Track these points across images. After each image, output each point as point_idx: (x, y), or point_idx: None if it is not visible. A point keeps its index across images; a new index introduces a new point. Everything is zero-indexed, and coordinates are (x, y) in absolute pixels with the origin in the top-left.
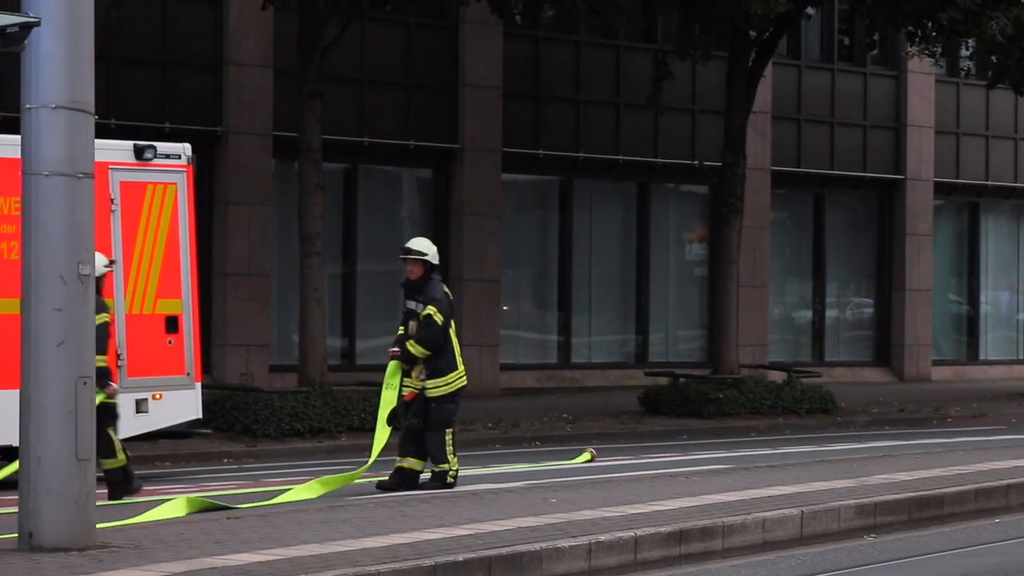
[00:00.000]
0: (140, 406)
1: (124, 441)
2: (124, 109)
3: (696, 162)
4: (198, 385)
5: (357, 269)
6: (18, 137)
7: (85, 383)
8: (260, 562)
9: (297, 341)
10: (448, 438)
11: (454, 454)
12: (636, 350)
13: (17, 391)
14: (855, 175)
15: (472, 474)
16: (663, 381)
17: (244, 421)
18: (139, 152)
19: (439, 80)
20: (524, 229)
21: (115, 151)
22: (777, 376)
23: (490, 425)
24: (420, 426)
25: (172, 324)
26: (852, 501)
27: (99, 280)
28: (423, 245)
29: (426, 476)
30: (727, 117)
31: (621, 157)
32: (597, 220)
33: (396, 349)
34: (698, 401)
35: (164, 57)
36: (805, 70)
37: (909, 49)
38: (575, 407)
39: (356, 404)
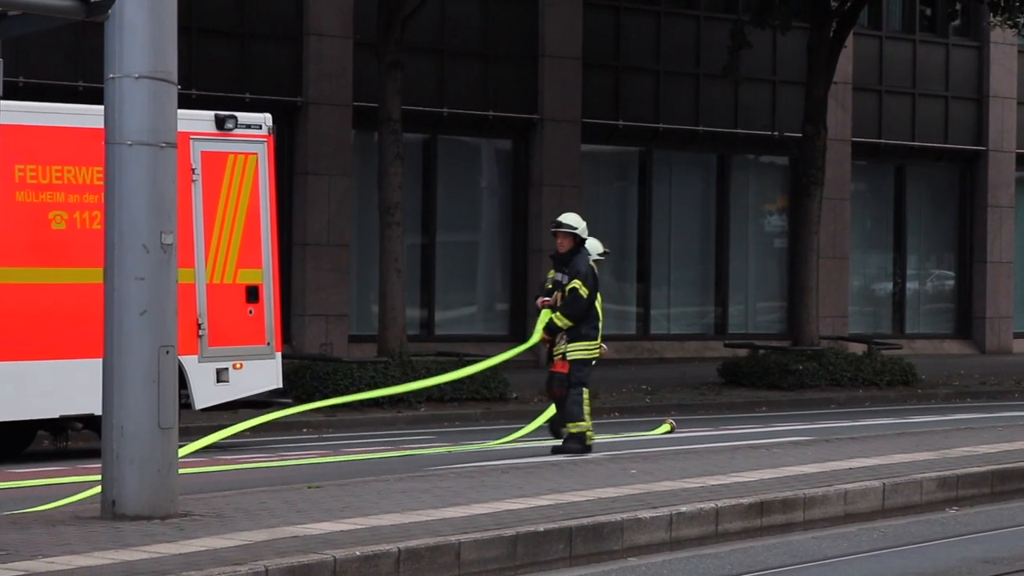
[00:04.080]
0: (221, 375)
1: (204, 410)
2: (205, 79)
3: (776, 133)
4: (278, 355)
5: (436, 239)
6: (100, 107)
7: (168, 352)
8: (341, 531)
9: (376, 311)
10: (585, 396)
11: (590, 415)
12: (715, 321)
13: (99, 360)
14: (936, 147)
15: (552, 444)
16: (742, 353)
17: (324, 391)
18: (220, 122)
19: (519, 50)
20: (603, 200)
21: (196, 121)
22: (857, 348)
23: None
24: (564, 389)
25: (253, 294)
26: (934, 473)
27: (598, 264)
28: (573, 220)
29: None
30: (808, 88)
31: (701, 128)
32: (676, 191)
33: (547, 300)
34: (777, 373)
35: (245, 28)
36: (886, 40)
37: (991, 19)
38: (654, 378)
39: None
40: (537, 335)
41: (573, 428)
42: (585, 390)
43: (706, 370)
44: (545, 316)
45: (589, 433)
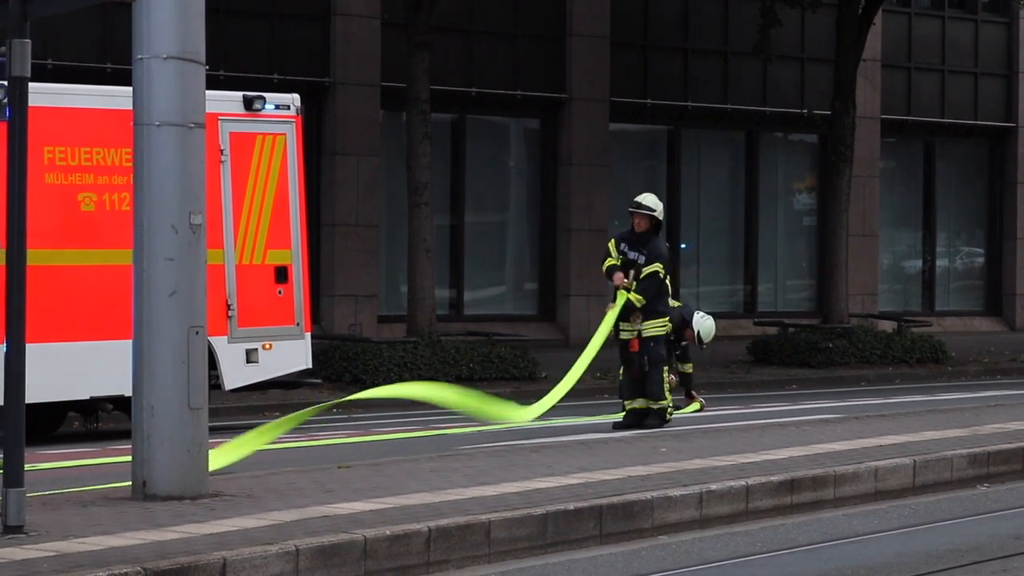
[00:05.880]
0: (250, 356)
1: (234, 391)
2: (233, 60)
3: (805, 111)
4: (307, 335)
5: (465, 219)
6: (128, 88)
7: (197, 333)
8: (371, 510)
9: (405, 291)
10: (665, 375)
11: (670, 391)
12: (745, 300)
13: (129, 341)
14: (966, 123)
15: (581, 423)
16: (772, 331)
17: (353, 371)
18: (248, 103)
19: (547, 29)
20: (632, 179)
21: (225, 102)
22: (887, 326)
23: (598, 375)
24: (645, 368)
25: (282, 274)
26: (964, 451)
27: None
28: (652, 201)
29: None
30: (837, 65)
31: (729, 106)
32: (705, 170)
33: (624, 277)
34: (807, 351)
35: (273, 8)
36: (915, 17)
37: None
38: None
39: (464, 354)
40: (613, 315)
41: (655, 406)
42: (665, 368)
43: (736, 348)
44: (622, 297)
45: (670, 408)
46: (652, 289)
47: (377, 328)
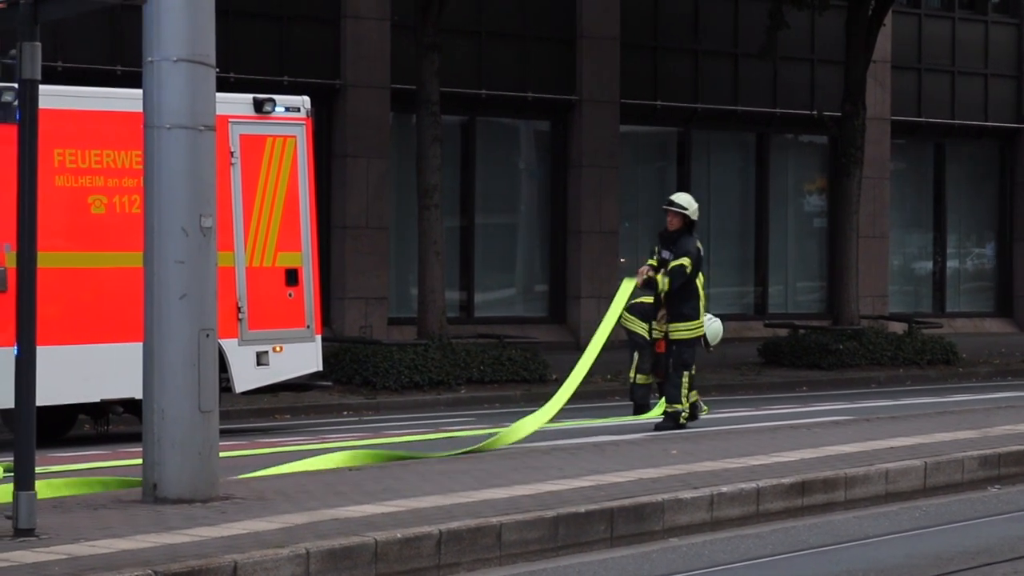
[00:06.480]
0: (261, 359)
1: (245, 393)
2: (243, 63)
3: (815, 112)
4: (318, 338)
5: (475, 222)
6: (138, 91)
7: (208, 335)
8: (383, 513)
9: (416, 294)
10: (684, 380)
11: (687, 397)
12: (755, 302)
13: (140, 344)
14: (976, 124)
15: (592, 426)
16: (782, 333)
17: (363, 373)
18: (259, 105)
19: (557, 31)
20: (642, 181)
21: (235, 104)
22: (897, 327)
23: (609, 377)
24: (667, 370)
25: (292, 277)
26: (976, 452)
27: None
28: (685, 200)
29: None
30: (847, 67)
31: (740, 108)
32: (715, 171)
33: (650, 271)
34: (818, 352)
35: (282, 11)
36: (926, 18)
37: None
38: None
39: (475, 356)
40: (623, 299)
41: (669, 408)
42: (686, 373)
43: (746, 350)
44: (630, 283)
45: (685, 412)
46: (677, 280)
47: (387, 330)
